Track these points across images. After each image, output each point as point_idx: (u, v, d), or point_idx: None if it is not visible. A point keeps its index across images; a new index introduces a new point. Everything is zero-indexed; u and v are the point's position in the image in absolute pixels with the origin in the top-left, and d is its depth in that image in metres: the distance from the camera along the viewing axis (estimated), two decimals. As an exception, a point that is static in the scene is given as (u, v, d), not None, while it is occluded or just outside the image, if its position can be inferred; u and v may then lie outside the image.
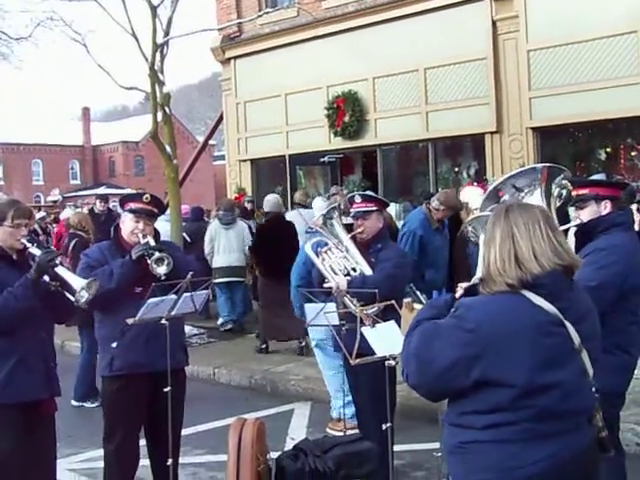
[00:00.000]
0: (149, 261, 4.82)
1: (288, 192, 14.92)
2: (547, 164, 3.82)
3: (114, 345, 4.94)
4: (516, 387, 2.61)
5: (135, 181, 64.27)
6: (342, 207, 7.42)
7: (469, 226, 3.11)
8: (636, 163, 11.69)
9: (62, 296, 4.38)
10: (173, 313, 4.65)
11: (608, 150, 11.94)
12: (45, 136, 65.87)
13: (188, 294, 4.68)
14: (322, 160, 14.87)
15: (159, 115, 11.62)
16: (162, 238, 5.30)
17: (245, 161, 16.16)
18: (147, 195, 5.09)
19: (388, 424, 4.52)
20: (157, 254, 4.81)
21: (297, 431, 7.04)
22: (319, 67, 14.38)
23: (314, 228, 5.68)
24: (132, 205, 5.04)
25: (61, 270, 4.30)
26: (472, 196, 8.78)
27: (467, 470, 2.73)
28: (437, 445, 5.86)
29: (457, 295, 2.87)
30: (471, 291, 2.84)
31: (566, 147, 12.49)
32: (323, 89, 14.51)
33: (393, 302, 4.41)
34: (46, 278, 4.34)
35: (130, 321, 4.57)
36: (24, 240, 4.37)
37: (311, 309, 5.09)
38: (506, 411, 2.64)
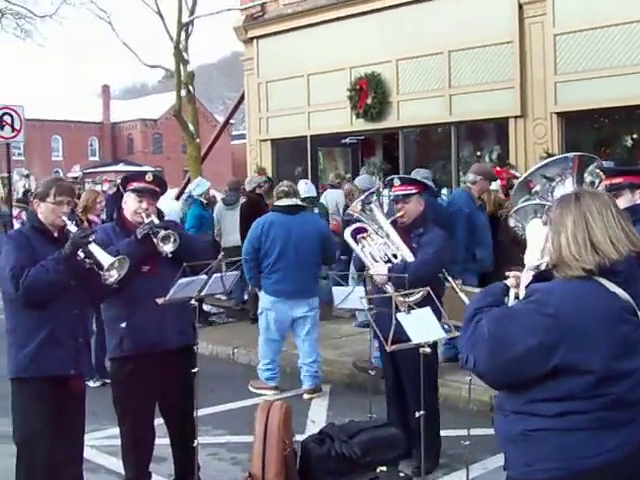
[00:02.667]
0: (155, 240, 4.82)
1: (309, 173, 14.87)
2: (579, 153, 3.77)
3: (123, 325, 4.94)
4: (594, 374, 2.59)
5: (153, 159, 64.52)
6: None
7: (511, 218, 3.07)
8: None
9: (98, 275, 4.42)
10: (203, 293, 4.63)
11: (634, 136, 11.79)
12: (65, 113, 66.13)
13: (218, 274, 4.67)
14: (343, 142, 14.79)
15: (182, 93, 11.57)
16: (167, 217, 5.34)
17: (266, 141, 16.10)
18: (149, 174, 5.11)
19: (422, 412, 4.51)
20: (163, 232, 4.82)
21: (317, 414, 7.07)
22: (342, 48, 14.26)
23: (353, 214, 5.56)
24: (135, 184, 5.04)
25: (93, 247, 4.33)
26: None
27: (531, 459, 2.70)
28: (460, 432, 5.87)
29: (509, 283, 2.86)
30: (540, 277, 2.80)
31: (591, 133, 12.36)
32: (346, 70, 14.39)
33: (428, 289, 4.33)
34: (82, 255, 4.40)
35: (160, 301, 4.57)
36: (64, 217, 4.45)
37: (339, 292, 5.07)
38: (579, 399, 2.62)
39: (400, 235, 5.37)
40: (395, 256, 5.28)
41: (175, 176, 46.20)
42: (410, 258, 5.25)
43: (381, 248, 5.31)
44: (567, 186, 3.62)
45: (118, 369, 5.09)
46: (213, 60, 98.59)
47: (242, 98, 17.14)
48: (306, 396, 7.70)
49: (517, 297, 2.89)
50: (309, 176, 14.67)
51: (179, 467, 5.33)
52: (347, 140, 14.74)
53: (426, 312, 4.07)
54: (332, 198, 10.72)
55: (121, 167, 62.45)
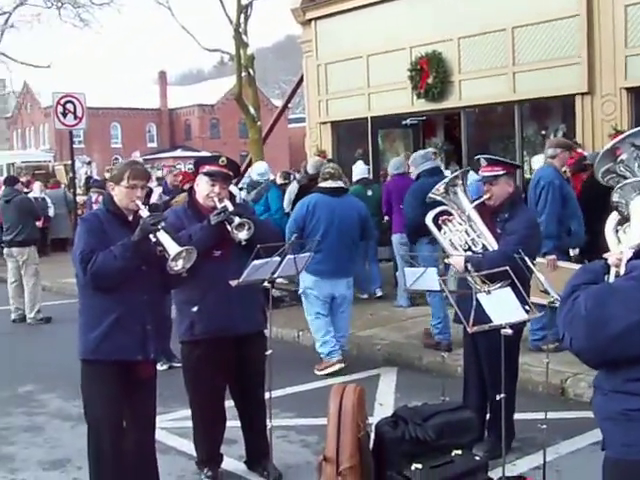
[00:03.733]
0: (229, 227, 4.76)
1: (370, 155, 14.73)
2: None
3: (194, 309, 4.91)
4: None
5: (210, 144, 64.92)
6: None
7: (615, 194, 2.92)
8: None
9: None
10: (276, 275, 4.57)
11: None
12: (123, 100, 66.94)
13: (291, 256, 4.60)
14: (404, 123, 14.62)
15: (242, 77, 11.53)
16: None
17: (325, 123, 15.99)
18: (223, 158, 5.02)
19: (502, 395, 4.40)
20: (237, 220, 4.75)
21: (385, 397, 6.97)
22: (402, 28, 14.04)
23: (435, 197, 5.40)
24: (208, 168, 4.96)
25: (161, 235, 4.25)
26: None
27: (631, 439, 2.62)
28: (530, 416, 5.73)
29: (611, 260, 2.73)
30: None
31: (661, 108, 11.99)
32: (406, 50, 14.18)
33: (510, 280, 4.12)
34: (154, 240, 4.33)
35: (234, 283, 4.52)
36: (138, 202, 4.39)
37: (411, 273, 4.97)
38: None
39: (484, 219, 5.17)
40: (476, 243, 5.09)
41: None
42: (493, 245, 5.06)
43: (462, 236, 5.11)
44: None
45: (189, 353, 5.08)
46: (268, 44, 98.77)
47: (300, 81, 17.06)
48: (336, 366, 7.82)
49: (617, 275, 2.76)
50: (370, 158, 14.54)
51: (251, 450, 5.33)
52: (408, 121, 14.57)
53: (507, 293, 3.93)
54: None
55: (179, 153, 63.11)
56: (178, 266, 4.25)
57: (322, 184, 7.93)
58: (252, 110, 11.23)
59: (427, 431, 4.33)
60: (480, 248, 5.07)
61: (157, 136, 71.24)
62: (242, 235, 4.73)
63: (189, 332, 4.97)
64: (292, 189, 11.57)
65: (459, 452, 4.28)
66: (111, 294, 4.33)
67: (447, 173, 12.94)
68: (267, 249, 4.52)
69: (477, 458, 4.40)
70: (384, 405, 6.71)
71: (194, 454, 5.43)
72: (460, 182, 5.28)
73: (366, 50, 14.78)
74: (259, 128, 11.34)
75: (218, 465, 5.27)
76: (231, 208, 4.84)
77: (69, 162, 28.26)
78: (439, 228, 5.24)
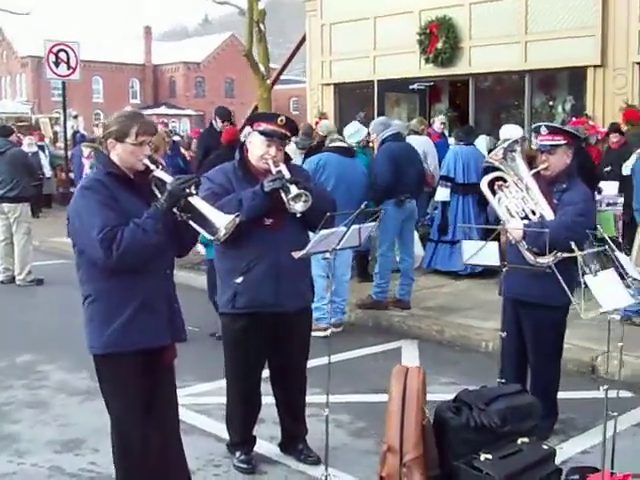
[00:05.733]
0: (285, 198, 4.32)
1: (375, 118, 14.53)
2: None
3: (239, 280, 4.51)
4: None
5: (195, 102, 64.26)
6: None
7: None
8: None
9: (188, 227, 3.78)
10: (339, 247, 4.18)
11: None
12: (106, 54, 65.69)
13: (356, 226, 4.19)
14: (411, 87, 14.42)
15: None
16: None
17: (328, 85, 15.74)
18: (282, 117, 4.55)
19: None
20: (295, 190, 4.29)
21: (410, 372, 6.81)
22: (411, -10, 13.84)
23: (492, 162, 5.20)
24: (265, 126, 4.50)
25: (197, 201, 3.70)
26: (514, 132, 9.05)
27: None
28: (565, 395, 5.58)
29: None
30: None
31: (675, 84, 11.93)
32: (415, 13, 13.96)
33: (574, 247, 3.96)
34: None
35: (297, 255, 4.14)
36: (147, 161, 3.75)
37: (469, 246, 4.80)
38: None
39: (541, 189, 4.95)
40: (534, 212, 4.87)
41: (218, 120, 45.78)
42: (550, 216, 4.85)
43: (519, 203, 4.89)
44: None
45: (229, 326, 4.71)
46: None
47: (303, 40, 16.77)
48: (333, 329, 7.59)
49: None
50: (374, 122, 14.34)
51: (288, 431, 5.00)
52: (415, 86, 14.38)
53: (612, 274, 3.70)
54: (417, 146, 10.39)
55: (163, 110, 62.22)
56: (222, 234, 3.71)
57: (331, 144, 8.01)
58: (262, 68, 10.98)
59: (492, 417, 4.05)
60: (538, 217, 4.88)
61: (140, 92, 70.15)
62: (298, 207, 4.32)
63: (231, 304, 4.58)
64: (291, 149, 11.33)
65: (526, 440, 4.03)
66: (133, 274, 3.70)
67: (451, 140, 12.90)
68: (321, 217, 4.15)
69: (545, 447, 4.15)
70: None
71: (220, 434, 5.12)
72: (519, 148, 5.06)
73: (373, 12, 14.52)
74: (268, 87, 11.10)
75: (251, 448, 4.88)
76: (288, 175, 4.40)
77: (55, 115, 27.73)
78: (494, 194, 5.07)
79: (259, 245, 4.43)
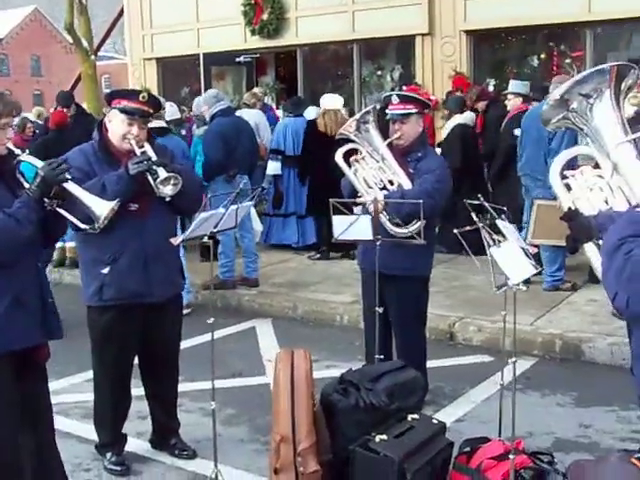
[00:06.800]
0: (153, 183, 4.07)
1: (202, 93, 14.00)
2: (615, 63, 3.42)
3: (105, 271, 4.22)
4: None
5: (-1, 82, 60.38)
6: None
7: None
8: (568, 70, 11.51)
9: (59, 216, 3.44)
10: (216, 230, 3.92)
11: (542, 56, 11.70)
12: None
13: (234, 206, 3.94)
14: (237, 60, 13.98)
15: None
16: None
17: (150, 60, 15.01)
18: (144, 94, 4.27)
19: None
20: (163, 173, 4.03)
21: (270, 351, 6.49)
22: (234, -42, 13.36)
23: (346, 134, 5.02)
24: (125, 104, 4.18)
25: (73, 187, 3.40)
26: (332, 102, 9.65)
27: None
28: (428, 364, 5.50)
29: None
30: None
31: (498, 52, 12.19)
32: (239, -17, 13.54)
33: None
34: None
35: (175, 241, 3.86)
36: (10, 145, 3.40)
37: (340, 221, 4.56)
38: None
39: (396, 159, 4.89)
40: (391, 182, 4.80)
41: (25, 101, 43.34)
42: (408, 185, 4.78)
43: (376, 173, 4.80)
44: (605, 102, 3.31)
45: (96, 320, 4.39)
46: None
47: (121, 13, 15.89)
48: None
49: None
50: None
51: (159, 426, 4.73)
52: (241, 59, 13.95)
53: (513, 246, 3.57)
54: (249, 119, 10.01)
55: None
56: (100, 224, 3.49)
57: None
58: (85, 43, 10.22)
59: (380, 395, 3.92)
60: (397, 187, 4.81)
61: None
62: (168, 190, 4.05)
63: (97, 296, 4.28)
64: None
65: (416, 416, 3.89)
66: (4, 269, 3.32)
67: (279, 113, 12.64)
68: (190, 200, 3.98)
69: (435, 422, 4.06)
70: (272, 361, 6.25)
71: (84, 435, 4.79)
72: (371, 118, 4.95)
73: (195, -19, 13.96)
74: (93, 63, 10.36)
75: (123, 448, 4.60)
76: (154, 156, 4.11)
77: None
78: (349, 166, 4.91)
79: (125, 233, 4.14)
